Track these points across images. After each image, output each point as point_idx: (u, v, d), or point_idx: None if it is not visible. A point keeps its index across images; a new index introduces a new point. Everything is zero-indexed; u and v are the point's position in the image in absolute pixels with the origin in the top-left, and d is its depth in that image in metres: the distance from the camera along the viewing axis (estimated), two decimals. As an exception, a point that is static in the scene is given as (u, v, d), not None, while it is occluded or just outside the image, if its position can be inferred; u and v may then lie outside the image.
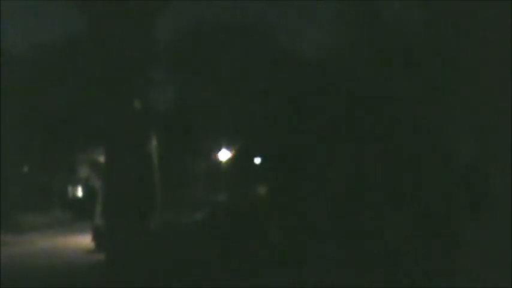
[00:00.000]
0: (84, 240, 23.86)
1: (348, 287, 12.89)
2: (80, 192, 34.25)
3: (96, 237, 22.41)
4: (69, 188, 34.86)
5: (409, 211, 15.44)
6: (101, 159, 24.14)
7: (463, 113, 16.30)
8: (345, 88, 19.02)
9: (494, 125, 15.50)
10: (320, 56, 21.87)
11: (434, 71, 16.96)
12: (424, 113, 17.31)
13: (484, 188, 14.79)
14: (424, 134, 17.08)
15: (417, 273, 12.19)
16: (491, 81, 15.74)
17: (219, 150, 27.10)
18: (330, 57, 21.12)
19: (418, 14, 18.48)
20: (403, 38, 18.94)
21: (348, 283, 12.94)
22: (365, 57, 19.01)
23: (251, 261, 15.67)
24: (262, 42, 25.99)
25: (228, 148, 27.21)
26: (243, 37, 26.31)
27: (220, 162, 27.12)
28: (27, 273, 18.49)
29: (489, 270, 11.42)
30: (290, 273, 14.66)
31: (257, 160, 24.64)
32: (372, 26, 19.67)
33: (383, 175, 17.16)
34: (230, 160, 26.80)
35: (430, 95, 17.20)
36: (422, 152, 16.84)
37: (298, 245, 16.10)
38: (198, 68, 25.71)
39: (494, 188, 14.79)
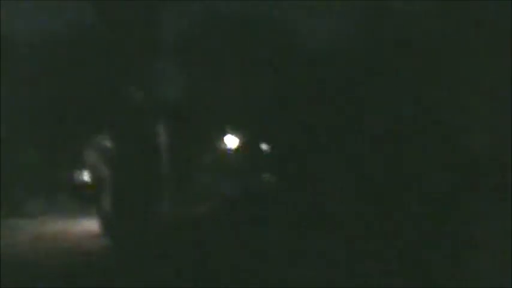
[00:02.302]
0: (91, 226, 23.86)
1: (351, 283, 12.84)
2: (86, 178, 34.14)
3: (102, 223, 22.46)
4: (76, 174, 34.75)
5: (419, 204, 15.37)
6: (108, 145, 24.06)
7: (476, 103, 16.20)
8: (355, 77, 18.94)
9: (507, 115, 15.39)
10: (329, 45, 21.76)
11: (446, 60, 16.84)
12: (435, 102, 17.21)
13: (498, 179, 14.69)
14: (435, 124, 16.98)
15: (426, 271, 12.14)
16: (504, 70, 15.62)
17: (227, 138, 26.97)
18: (339, 46, 21.01)
19: (428, 4, 18.35)
20: (413, 27, 18.82)
21: (351, 279, 12.88)
22: (375, 45, 18.92)
23: (259, 253, 15.64)
24: (272, 31, 25.84)
25: (236, 136, 27.09)
26: (251, 27, 26.18)
27: (229, 150, 27.01)
28: (33, 258, 18.52)
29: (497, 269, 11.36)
30: (297, 264, 14.63)
31: (265, 148, 24.54)
32: (382, 14, 19.55)
33: (393, 166, 17.09)
34: (238, 148, 26.69)
35: (442, 84, 17.09)
36: (433, 142, 16.75)
37: (307, 235, 16.07)
38: (206, 58, 25.59)
39: (508, 179, 14.70)
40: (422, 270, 12.63)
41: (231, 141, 27.99)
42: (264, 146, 25.45)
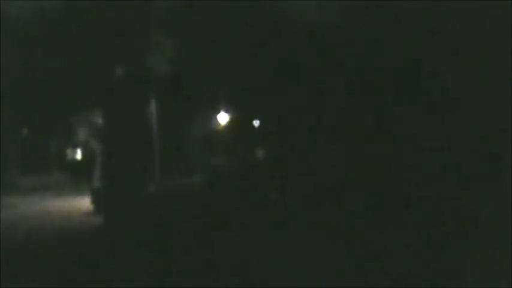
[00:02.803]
0: (83, 203, 23.92)
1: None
2: (79, 155, 34.20)
3: (94, 200, 22.47)
4: (68, 151, 34.81)
5: (415, 190, 15.33)
6: (100, 121, 24.05)
7: (475, 84, 16.18)
8: (349, 52, 18.85)
9: (505, 97, 15.37)
10: (322, 19, 21.67)
11: (445, 38, 16.76)
12: (434, 82, 17.13)
13: (495, 161, 14.71)
14: (432, 107, 16.90)
15: (422, 270, 12.12)
16: (504, 69, 15.57)
17: (218, 113, 26.99)
18: (332, 21, 20.93)
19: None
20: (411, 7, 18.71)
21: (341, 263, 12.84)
22: (371, 21, 18.83)
23: (249, 225, 15.69)
24: (262, 5, 25.75)
25: (227, 111, 27.11)
26: (242, 2, 26.10)
27: (219, 125, 27.04)
28: (26, 236, 18.55)
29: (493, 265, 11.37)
30: (286, 237, 14.66)
31: (256, 123, 24.57)
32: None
33: (385, 146, 17.05)
34: (229, 123, 26.72)
35: (440, 62, 17.01)
36: (431, 126, 16.68)
37: (296, 209, 16.10)
38: (197, 31, 25.51)
39: (506, 161, 14.70)
40: (420, 266, 12.66)
41: (223, 117, 28.05)
42: (255, 122, 25.50)
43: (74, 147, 33.87)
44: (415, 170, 15.91)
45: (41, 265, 14.09)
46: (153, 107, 23.90)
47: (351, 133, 17.91)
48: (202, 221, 16.74)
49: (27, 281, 12.46)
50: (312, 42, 20.40)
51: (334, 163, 17.50)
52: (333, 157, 17.77)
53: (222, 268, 12.65)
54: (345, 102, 18.41)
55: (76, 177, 31.80)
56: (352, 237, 13.72)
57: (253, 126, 24.67)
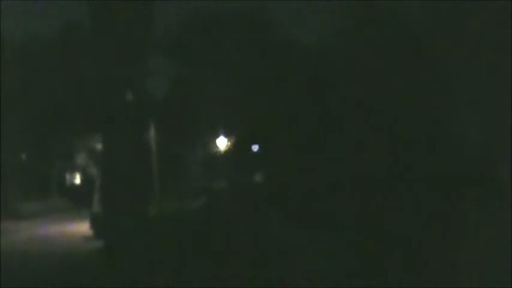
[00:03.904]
0: (82, 228, 23.88)
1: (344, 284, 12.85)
2: (78, 180, 34.24)
3: (94, 225, 22.43)
4: (67, 176, 34.84)
5: (413, 202, 15.37)
6: (99, 146, 24.10)
7: (470, 101, 16.25)
8: (345, 75, 18.96)
9: (501, 113, 15.43)
10: (318, 44, 21.83)
11: (438, 58, 16.86)
12: (430, 101, 17.22)
13: (491, 176, 14.76)
14: (430, 123, 16.97)
15: (420, 271, 12.16)
16: (496, 68, 15.64)
17: (218, 138, 27.09)
18: (328, 45, 21.07)
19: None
20: (404, 24, 18.85)
21: (343, 278, 12.90)
22: (365, 45, 18.94)
23: (248, 251, 15.69)
24: (261, 31, 25.95)
25: (226, 136, 27.21)
26: (241, 26, 26.27)
27: (219, 150, 27.13)
28: (26, 261, 18.53)
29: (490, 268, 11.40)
30: (285, 264, 14.66)
31: (255, 148, 24.65)
32: (370, 13, 19.60)
33: (385, 163, 17.11)
34: (228, 148, 26.82)
35: (436, 82, 17.11)
36: (428, 140, 16.75)
37: (295, 234, 16.12)
38: (196, 57, 25.69)
39: (502, 177, 14.75)
40: (419, 269, 12.70)
41: (222, 142, 28.11)
42: (253, 147, 25.58)
43: (73, 172, 33.93)
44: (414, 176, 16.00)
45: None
46: (152, 131, 24.02)
47: (350, 159, 17.96)
48: (202, 247, 16.75)
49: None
50: (311, 68, 20.55)
51: (332, 189, 17.53)
52: (331, 183, 17.81)
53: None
54: (347, 128, 18.49)
55: (75, 202, 31.80)
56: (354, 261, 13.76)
57: (252, 151, 24.76)
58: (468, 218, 13.64)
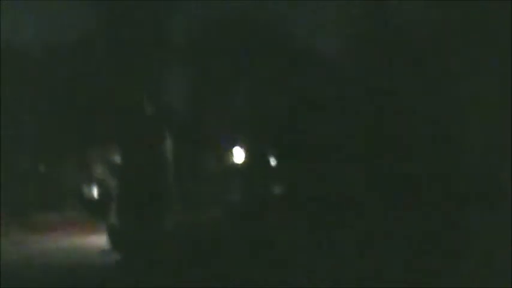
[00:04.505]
0: (99, 240, 23.82)
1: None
2: (95, 192, 34.17)
3: (111, 237, 22.38)
4: (84, 187, 34.78)
5: (416, 207, 15.34)
6: (116, 158, 24.06)
7: (472, 106, 16.11)
8: (358, 82, 18.89)
9: (504, 118, 15.30)
10: (332, 51, 21.72)
11: (442, 64, 16.77)
12: (433, 106, 17.13)
13: (494, 182, 14.62)
14: (432, 128, 16.90)
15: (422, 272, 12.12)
16: (499, 72, 15.51)
17: (234, 149, 26.93)
18: (341, 52, 20.99)
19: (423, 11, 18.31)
20: (411, 30, 18.77)
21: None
22: (374, 51, 18.88)
23: (265, 264, 15.61)
24: (278, 39, 25.81)
25: (242, 147, 27.06)
26: (257, 34, 26.17)
27: (235, 161, 26.98)
28: (44, 273, 18.55)
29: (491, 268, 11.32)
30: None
31: (272, 160, 24.50)
32: (379, 20, 19.51)
33: (395, 171, 17.03)
34: (245, 159, 26.67)
35: (439, 87, 17.02)
36: (431, 145, 16.67)
37: (311, 247, 16.05)
38: (213, 66, 25.60)
39: (505, 182, 14.61)
40: (422, 272, 12.63)
41: (239, 153, 27.97)
42: (271, 158, 25.42)
43: (90, 183, 33.88)
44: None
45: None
46: (169, 142, 23.91)
47: (364, 169, 17.87)
48: (219, 258, 16.68)
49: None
50: (330, 76, 20.45)
51: (350, 199, 17.43)
52: (348, 193, 17.71)
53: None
54: (362, 136, 18.40)
55: (92, 214, 31.74)
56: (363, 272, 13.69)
57: (269, 163, 24.62)
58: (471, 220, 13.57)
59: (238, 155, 27.69)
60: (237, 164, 26.74)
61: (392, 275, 13.10)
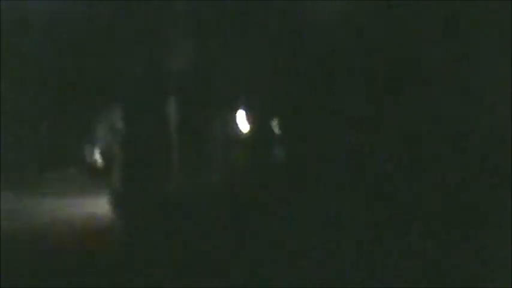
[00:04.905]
0: (101, 203, 23.81)
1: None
2: (97, 153, 34.10)
3: (113, 200, 22.43)
4: (86, 149, 34.72)
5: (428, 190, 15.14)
6: (119, 120, 23.94)
7: (486, 82, 15.90)
8: (368, 50, 18.65)
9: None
10: (344, 17, 21.42)
11: (454, 38, 16.56)
12: (445, 81, 16.92)
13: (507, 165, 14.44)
14: (444, 106, 16.71)
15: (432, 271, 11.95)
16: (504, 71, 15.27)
17: (237, 112, 26.76)
18: (354, 17, 20.72)
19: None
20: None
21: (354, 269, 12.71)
22: (386, 20, 18.65)
23: (265, 231, 15.54)
24: (282, 4, 25.49)
25: (246, 111, 26.88)
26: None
27: (239, 125, 26.83)
28: (46, 236, 18.60)
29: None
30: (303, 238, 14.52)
31: (276, 124, 24.33)
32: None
33: (402, 149, 16.86)
34: (248, 123, 26.51)
35: (452, 62, 16.80)
36: (442, 126, 16.48)
37: (316, 214, 15.95)
38: (217, 28, 25.32)
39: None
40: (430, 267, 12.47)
41: (242, 117, 27.80)
42: (274, 123, 25.24)
43: (92, 145, 33.80)
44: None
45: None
46: (171, 105, 23.74)
47: (368, 140, 17.72)
48: (220, 221, 16.63)
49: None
50: (334, 41, 20.19)
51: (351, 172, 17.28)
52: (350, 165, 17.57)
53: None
54: (369, 109, 18.21)
55: (94, 176, 31.70)
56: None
57: (273, 127, 24.46)
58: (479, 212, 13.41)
59: (243, 120, 27.53)
60: (241, 130, 26.60)
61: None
